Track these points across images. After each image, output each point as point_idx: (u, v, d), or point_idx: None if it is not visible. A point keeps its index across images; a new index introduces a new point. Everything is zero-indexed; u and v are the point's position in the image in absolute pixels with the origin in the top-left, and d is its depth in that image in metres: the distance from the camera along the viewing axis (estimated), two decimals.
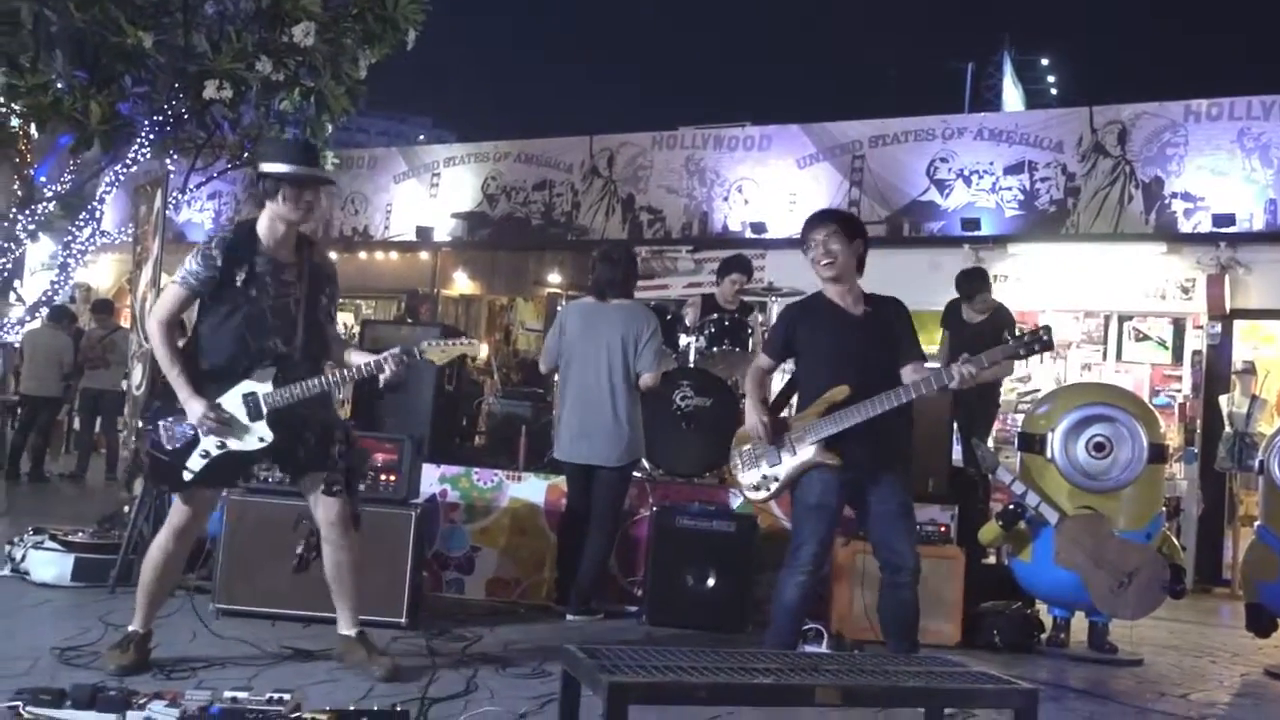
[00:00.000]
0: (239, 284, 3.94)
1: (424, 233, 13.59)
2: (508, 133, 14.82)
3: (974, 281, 7.79)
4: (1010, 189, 11.15)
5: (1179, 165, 10.45)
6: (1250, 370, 9.59)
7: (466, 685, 4.05)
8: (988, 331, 6.91)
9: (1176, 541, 6.47)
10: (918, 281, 11.07)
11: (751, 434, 4.46)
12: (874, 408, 4.20)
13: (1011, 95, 27.16)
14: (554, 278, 12.31)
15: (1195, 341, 10.21)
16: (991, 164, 11.25)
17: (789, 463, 4.36)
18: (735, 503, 6.02)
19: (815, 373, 4.44)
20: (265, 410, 3.93)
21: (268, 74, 10.27)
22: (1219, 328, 10.00)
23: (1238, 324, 10.07)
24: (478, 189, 13.76)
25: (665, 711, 2.98)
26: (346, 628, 4.20)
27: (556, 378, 5.99)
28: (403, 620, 5.01)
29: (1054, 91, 29.80)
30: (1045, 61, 30.59)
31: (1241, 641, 6.30)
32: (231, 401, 3.95)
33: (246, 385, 3.96)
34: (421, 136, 41.70)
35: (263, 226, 4.05)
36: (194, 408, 3.89)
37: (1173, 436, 9.31)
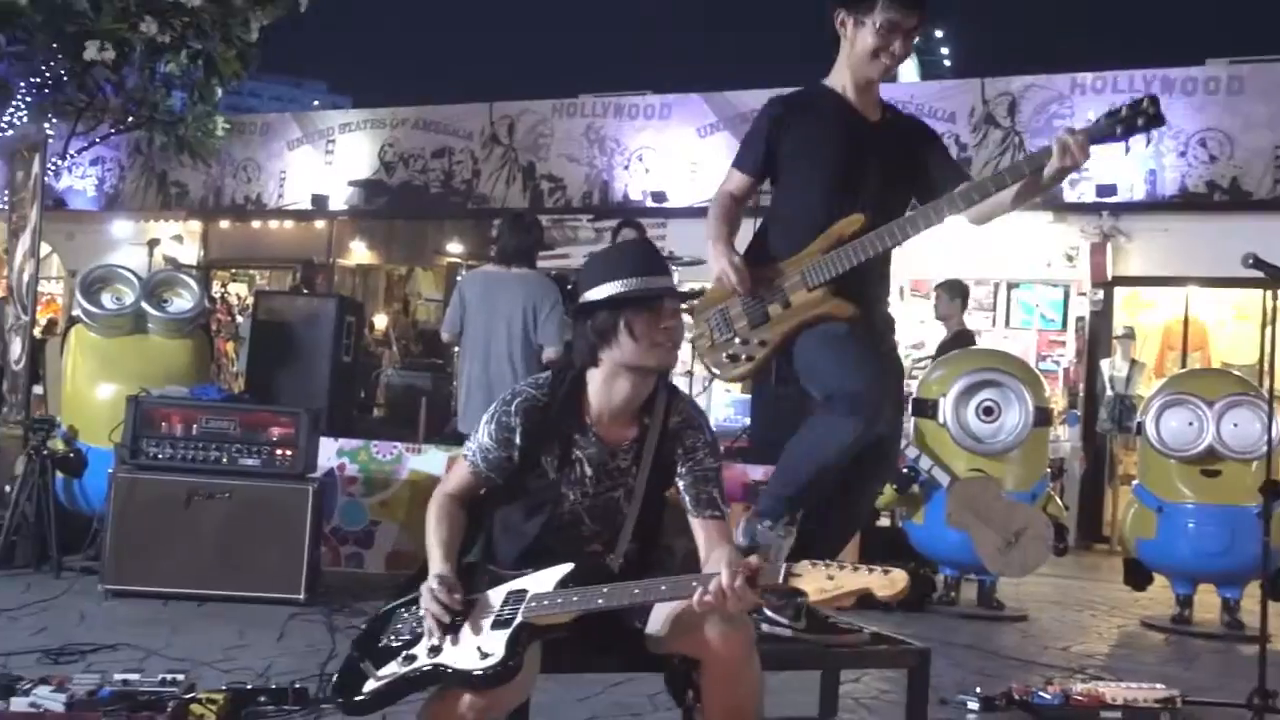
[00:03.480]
0: (546, 473, 2.55)
1: (319, 201, 13.29)
2: (405, 99, 14.55)
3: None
4: None
5: None
6: (1130, 335, 9.97)
7: None
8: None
9: (1060, 501, 6.72)
10: None
11: (723, 285, 3.14)
12: (912, 226, 2.99)
13: (907, 67, 27.58)
14: (454, 247, 12.16)
15: (1079, 308, 10.56)
16: None
17: (780, 319, 3.09)
18: None
19: (807, 196, 3.14)
20: (519, 620, 2.32)
21: (153, 35, 9.91)
22: (1101, 294, 10.36)
23: (1119, 291, 10.45)
24: (375, 156, 13.49)
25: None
26: None
27: (457, 349, 5.94)
28: (301, 596, 4.93)
29: (947, 63, 30.35)
30: (940, 33, 31.08)
31: (1119, 595, 6.58)
32: (497, 596, 2.43)
33: (521, 582, 2.43)
34: (316, 102, 40.72)
35: (596, 386, 2.56)
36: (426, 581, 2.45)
37: (1057, 400, 9.63)
